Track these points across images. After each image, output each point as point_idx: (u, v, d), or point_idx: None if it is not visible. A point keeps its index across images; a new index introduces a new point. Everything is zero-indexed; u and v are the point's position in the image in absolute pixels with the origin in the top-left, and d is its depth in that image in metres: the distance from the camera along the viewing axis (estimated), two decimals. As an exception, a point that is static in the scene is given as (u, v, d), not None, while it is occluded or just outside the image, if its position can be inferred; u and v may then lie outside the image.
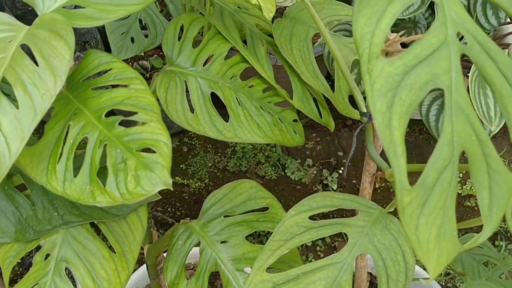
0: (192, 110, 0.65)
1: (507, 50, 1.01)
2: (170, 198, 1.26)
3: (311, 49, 0.76)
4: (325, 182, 1.22)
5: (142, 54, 1.18)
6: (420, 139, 1.23)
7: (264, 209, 0.70)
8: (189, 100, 0.65)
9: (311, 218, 0.61)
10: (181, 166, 1.20)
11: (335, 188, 1.22)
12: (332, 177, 1.22)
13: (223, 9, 0.76)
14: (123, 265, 0.59)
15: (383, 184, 1.20)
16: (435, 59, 0.38)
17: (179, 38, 0.67)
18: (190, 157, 1.20)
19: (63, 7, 0.53)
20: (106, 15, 0.52)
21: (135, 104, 0.48)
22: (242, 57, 0.71)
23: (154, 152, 0.45)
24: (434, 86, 0.38)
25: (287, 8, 0.83)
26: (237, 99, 0.67)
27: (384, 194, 1.23)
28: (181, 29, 0.68)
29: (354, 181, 1.22)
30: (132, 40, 0.91)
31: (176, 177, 1.20)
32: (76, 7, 0.53)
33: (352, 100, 0.69)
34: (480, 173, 0.39)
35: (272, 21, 0.78)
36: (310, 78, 0.75)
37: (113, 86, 0.52)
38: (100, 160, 0.46)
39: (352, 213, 1.20)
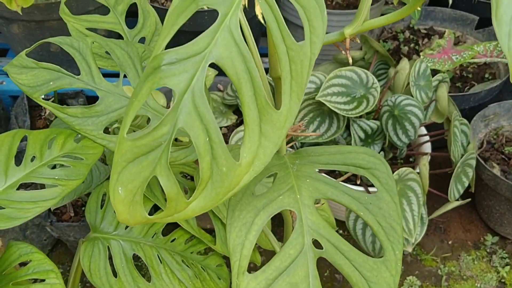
0: (115, 274, 0.70)
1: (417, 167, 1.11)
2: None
3: (231, 193, 0.83)
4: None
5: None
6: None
7: None
8: (112, 264, 0.70)
9: None
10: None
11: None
12: None
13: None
14: None
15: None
16: (294, 268, 0.45)
17: (102, 205, 0.73)
18: None
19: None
20: (24, 214, 0.58)
21: (49, 301, 0.53)
22: (164, 213, 0.77)
23: None
24: (293, 293, 0.45)
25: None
26: (158, 257, 0.73)
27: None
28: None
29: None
30: (69, 186, 0.96)
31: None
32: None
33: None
34: None
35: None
36: (231, 221, 0.81)
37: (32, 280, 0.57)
38: None
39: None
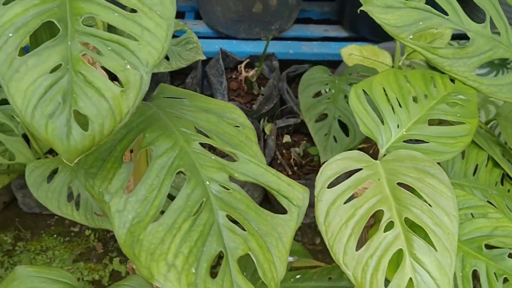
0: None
1: None
2: None
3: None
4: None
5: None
6: None
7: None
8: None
9: None
10: None
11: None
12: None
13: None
14: None
15: None
16: None
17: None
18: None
19: (403, 141, 0.58)
20: (450, 148, 0.57)
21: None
22: (495, 162, 0.75)
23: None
24: None
25: None
26: (507, 207, 0.71)
27: None
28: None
29: None
30: (335, 139, 0.96)
31: None
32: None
33: None
34: None
35: None
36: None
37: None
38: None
39: None
